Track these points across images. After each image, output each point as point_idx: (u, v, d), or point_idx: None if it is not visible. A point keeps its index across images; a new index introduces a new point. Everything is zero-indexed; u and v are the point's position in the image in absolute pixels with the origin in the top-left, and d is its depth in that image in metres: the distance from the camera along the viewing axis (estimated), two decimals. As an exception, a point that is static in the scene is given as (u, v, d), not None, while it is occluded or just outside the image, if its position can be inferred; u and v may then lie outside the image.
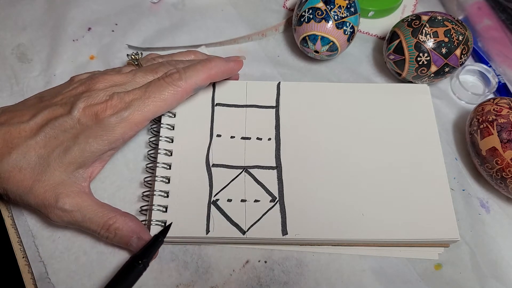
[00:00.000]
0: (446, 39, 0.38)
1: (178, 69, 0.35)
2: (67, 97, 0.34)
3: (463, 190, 0.39)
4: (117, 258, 0.34)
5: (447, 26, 0.38)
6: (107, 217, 0.32)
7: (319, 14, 0.40)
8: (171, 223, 0.33)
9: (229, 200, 0.35)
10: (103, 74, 0.35)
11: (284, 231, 0.34)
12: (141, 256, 0.31)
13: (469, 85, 0.44)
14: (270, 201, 0.35)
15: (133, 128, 0.33)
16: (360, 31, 0.47)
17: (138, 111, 0.33)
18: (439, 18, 0.39)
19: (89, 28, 0.46)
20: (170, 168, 0.36)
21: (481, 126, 0.36)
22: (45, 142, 0.32)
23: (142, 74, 0.35)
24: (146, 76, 0.35)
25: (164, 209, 0.34)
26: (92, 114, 0.32)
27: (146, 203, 0.36)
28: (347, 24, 0.40)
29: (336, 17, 0.40)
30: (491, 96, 0.43)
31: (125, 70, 0.36)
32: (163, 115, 0.38)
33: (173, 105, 0.35)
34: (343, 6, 0.40)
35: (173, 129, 0.38)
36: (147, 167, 0.37)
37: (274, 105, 0.39)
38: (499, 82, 0.44)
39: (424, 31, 0.39)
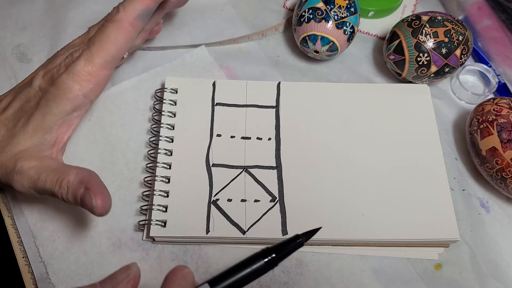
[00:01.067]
0: (446, 39, 0.38)
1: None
2: (35, 71, 0.35)
3: (463, 190, 0.39)
4: (117, 258, 0.34)
5: (447, 26, 0.38)
6: (60, 172, 0.30)
7: (319, 14, 0.40)
8: (320, 228, 0.27)
9: (229, 200, 0.35)
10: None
11: (284, 231, 0.34)
12: (274, 251, 0.25)
13: (469, 85, 0.44)
14: (270, 201, 0.35)
15: (89, 80, 0.32)
16: (360, 31, 0.47)
17: (87, 60, 0.32)
18: (439, 18, 0.39)
19: (89, 28, 0.46)
20: (170, 168, 0.36)
21: (481, 126, 0.36)
22: (14, 116, 0.32)
23: (96, 26, 0.35)
24: (98, 26, 0.34)
25: (164, 209, 0.34)
26: (49, 78, 0.32)
27: (146, 203, 0.36)
28: (347, 24, 0.40)
29: (336, 17, 0.40)
30: (491, 96, 0.43)
31: None
32: (163, 115, 0.38)
33: (123, 44, 0.33)
34: (343, 6, 0.40)
35: (173, 129, 0.38)
36: (147, 167, 0.37)
37: (274, 105, 0.39)
38: (499, 82, 0.44)
39: (424, 31, 0.39)
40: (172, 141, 0.37)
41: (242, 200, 0.35)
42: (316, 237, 0.34)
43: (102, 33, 0.32)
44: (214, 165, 0.36)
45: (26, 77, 0.36)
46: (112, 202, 0.35)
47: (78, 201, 0.30)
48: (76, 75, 0.32)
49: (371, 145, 0.38)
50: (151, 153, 0.38)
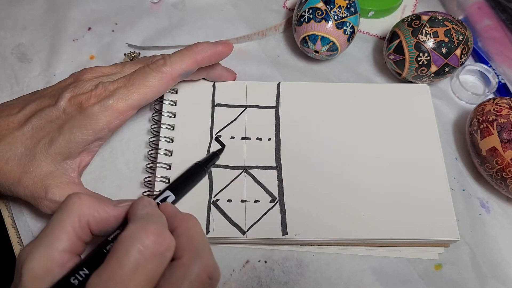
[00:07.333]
0: (446, 39, 0.38)
1: (163, 55, 0.35)
2: (56, 89, 0.34)
3: (463, 190, 0.39)
4: (117, 258, 0.34)
5: (447, 26, 0.38)
6: None
7: (319, 14, 0.40)
8: (224, 146, 0.37)
9: (229, 201, 0.35)
10: (93, 67, 0.35)
11: (284, 231, 0.34)
12: (204, 163, 0.35)
13: (469, 85, 0.44)
14: (270, 201, 0.35)
15: (117, 117, 0.33)
16: (360, 31, 0.47)
17: (122, 99, 0.32)
18: (439, 18, 0.39)
19: (89, 28, 0.46)
20: (170, 169, 0.36)
21: (481, 126, 0.36)
22: (31, 133, 0.32)
23: (131, 65, 0.35)
24: (135, 66, 0.35)
25: (164, 209, 0.34)
26: (77, 103, 0.32)
27: (146, 203, 0.36)
28: (347, 24, 0.40)
29: (336, 17, 0.40)
30: (491, 96, 0.43)
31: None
32: (163, 115, 0.38)
33: (159, 92, 0.34)
34: (343, 6, 0.40)
35: (173, 129, 0.38)
36: (147, 167, 0.37)
37: (274, 105, 0.39)
38: (499, 82, 0.44)
39: (424, 31, 0.39)
40: (172, 142, 0.37)
41: (242, 201, 0.35)
42: (316, 237, 0.34)
43: (144, 77, 0.33)
44: (214, 165, 0.36)
45: (44, 90, 0.35)
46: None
47: None
48: (108, 109, 0.32)
49: (371, 145, 0.38)
50: (151, 154, 0.38)
